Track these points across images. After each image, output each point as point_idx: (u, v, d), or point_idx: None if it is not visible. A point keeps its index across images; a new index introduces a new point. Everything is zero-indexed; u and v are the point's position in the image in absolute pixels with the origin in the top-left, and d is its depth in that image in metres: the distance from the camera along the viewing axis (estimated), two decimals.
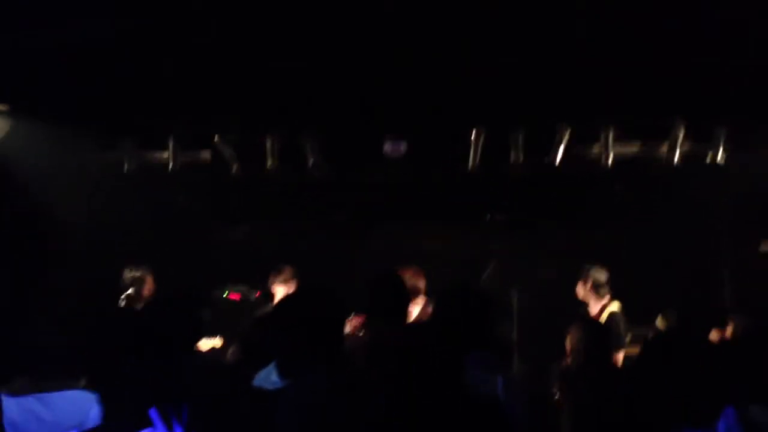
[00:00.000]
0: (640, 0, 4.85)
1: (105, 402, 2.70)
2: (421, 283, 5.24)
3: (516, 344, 6.94)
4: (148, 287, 6.00)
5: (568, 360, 4.18)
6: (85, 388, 3.73)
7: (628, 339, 5.67)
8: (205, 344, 5.42)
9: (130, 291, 5.95)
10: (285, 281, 6.14)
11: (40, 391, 2.68)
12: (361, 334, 4.36)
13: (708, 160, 6.49)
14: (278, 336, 2.77)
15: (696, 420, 2.22)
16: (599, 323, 5.40)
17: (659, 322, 5.65)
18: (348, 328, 4.55)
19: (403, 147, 6.78)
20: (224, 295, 7.27)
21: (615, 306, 5.81)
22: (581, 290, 5.95)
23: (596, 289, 5.86)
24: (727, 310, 5.55)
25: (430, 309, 5.03)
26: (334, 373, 2.61)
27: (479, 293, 3.56)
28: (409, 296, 4.14)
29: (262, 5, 5.00)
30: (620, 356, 5.48)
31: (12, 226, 6.22)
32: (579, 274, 6.07)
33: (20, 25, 4.91)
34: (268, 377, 3.33)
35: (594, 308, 5.89)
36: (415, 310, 5.10)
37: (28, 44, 5.12)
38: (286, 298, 3.04)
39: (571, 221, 7.64)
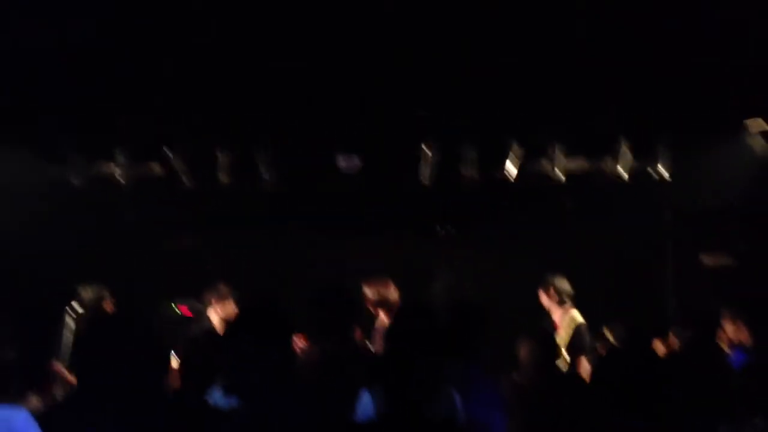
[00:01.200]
0: (587, 20, 4.94)
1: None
2: (392, 295, 5.23)
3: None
4: (107, 306, 5.87)
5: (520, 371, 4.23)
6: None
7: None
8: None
9: (78, 308, 5.81)
10: (220, 299, 6.14)
11: None
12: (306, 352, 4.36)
13: (653, 174, 6.67)
14: (226, 353, 2.73)
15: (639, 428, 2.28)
16: (549, 335, 5.50)
17: (606, 334, 5.76)
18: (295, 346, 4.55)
19: (356, 161, 6.80)
20: (174, 309, 7.16)
21: (577, 316, 5.91)
22: (544, 299, 6.04)
23: (560, 298, 5.97)
24: (670, 322, 5.70)
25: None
26: (286, 390, 2.59)
27: (431, 307, 3.61)
28: (357, 310, 4.12)
29: (217, 14, 4.95)
30: (585, 364, 5.59)
31: None
32: (530, 285, 6.17)
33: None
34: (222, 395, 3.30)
35: (556, 317, 6.00)
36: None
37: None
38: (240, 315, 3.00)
39: (522, 233, 7.76)
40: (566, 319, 5.92)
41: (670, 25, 4.87)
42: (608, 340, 5.57)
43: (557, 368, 4.33)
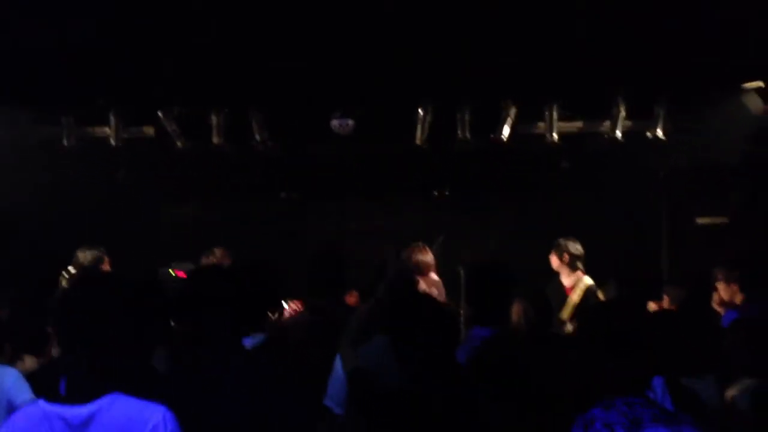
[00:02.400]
0: None
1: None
2: (427, 259, 5.21)
3: (464, 318, 7.03)
4: (105, 267, 5.87)
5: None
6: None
7: None
8: None
9: (71, 269, 5.81)
10: (218, 263, 6.02)
11: None
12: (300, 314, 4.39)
13: (649, 135, 6.63)
14: (186, 314, 2.70)
15: (627, 389, 2.29)
16: (542, 296, 5.52)
17: (600, 294, 5.78)
18: (287, 311, 4.58)
19: (350, 123, 6.76)
20: (171, 273, 7.19)
21: (588, 279, 5.89)
22: (555, 261, 6.01)
23: (572, 261, 5.94)
24: (663, 283, 5.70)
25: (435, 290, 5.04)
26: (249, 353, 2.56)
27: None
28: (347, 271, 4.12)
29: None
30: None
31: None
32: (525, 247, 6.16)
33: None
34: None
35: (567, 281, 5.97)
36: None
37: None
38: (196, 273, 2.98)
39: (518, 196, 7.75)
40: (578, 282, 5.91)
41: None
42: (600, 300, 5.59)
43: (547, 327, 4.35)
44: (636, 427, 2.13)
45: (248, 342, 2.92)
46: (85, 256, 5.80)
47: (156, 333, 2.92)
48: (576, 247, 5.98)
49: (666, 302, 4.83)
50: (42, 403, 2.11)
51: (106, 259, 5.88)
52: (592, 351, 2.43)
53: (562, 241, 6.02)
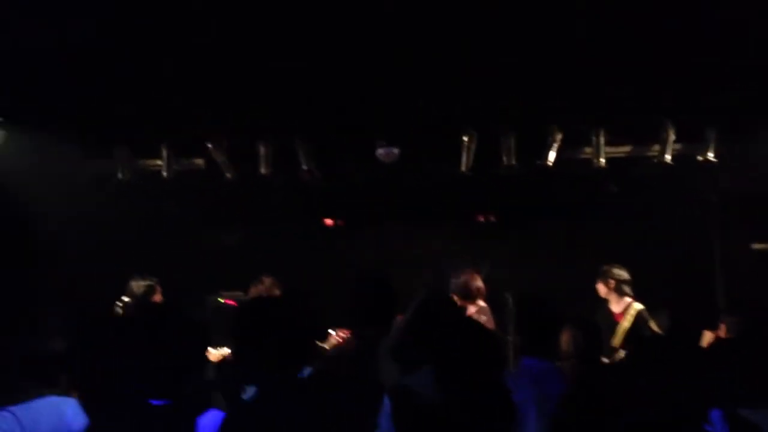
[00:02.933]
0: (631, 2, 4.86)
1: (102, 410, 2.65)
2: (478, 284, 5.23)
3: (513, 346, 6.94)
4: (157, 297, 5.97)
5: (563, 360, 4.18)
6: (78, 397, 3.74)
7: None
8: (214, 355, 5.41)
9: (126, 299, 5.92)
10: (266, 292, 6.09)
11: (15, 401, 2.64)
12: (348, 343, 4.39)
13: (700, 158, 6.52)
14: (242, 344, 2.68)
15: (683, 420, 2.23)
16: (592, 323, 5.43)
17: (652, 321, 5.67)
18: (335, 340, 4.57)
19: (396, 151, 6.79)
20: (220, 302, 7.27)
21: (638, 305, 5.85)
22: (603, 289, 5.98)
23: (619, 287, 5.90)
24: (719, 311, 5.57)
25: (484, 317, 5.04)
26: (303, 386, 2.54)
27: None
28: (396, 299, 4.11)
29: (253, 9, 5.00)
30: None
31: (2, 235, 6.22)
32: (574, 274, 6.09)
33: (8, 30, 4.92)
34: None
35: (616, 307, 5.93)
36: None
37: (20, 51, 5.14)
38: (251, 305, 2.96)
39: (565, 222, 7.66)
40: (627, 308, 5.85)
41: (717, 8, 4.77)
42: (653, 330, 5.48)
43: (599, 357, 4.27)
44: None
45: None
46: (138, 285, 5.90)
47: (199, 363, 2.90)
48: (621, 273, 5.94)
49: (723, 331, 4.69)
50: None
51: (158, 288, 5.98)
52: (647, 381, 2.37)
53: (606, 267, 5.99)
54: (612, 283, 5.93)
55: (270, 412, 2.42)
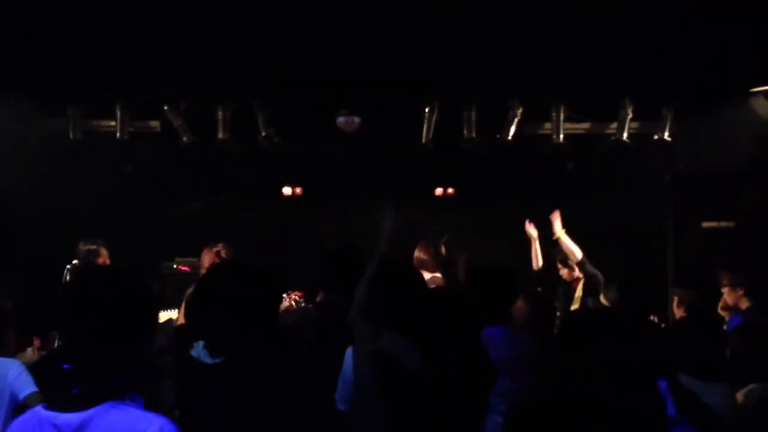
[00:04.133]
0: None
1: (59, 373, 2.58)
2: (428, 256, 5.25)
3: None
4: (102, 260, 5.87)
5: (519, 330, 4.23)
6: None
7: None
8: (162, 316, 5.36)
9: (75, 262, 5.82)
10: (219, 257, 6.11)
11: None
12: (300, 306, 4.37)
13: (656, 137, 6.61)
14: (204, 311, 2.63)
15: (629, 390, 2.26)
16: (544, 295, 5.54)
17: (602, 298, 5.78)
18: (285, 303, 4.55)
19: (357, 121, 6.75)
20: (174, 267, 7.19)
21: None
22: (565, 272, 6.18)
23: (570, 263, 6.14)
24: (667, 286, 5.70)
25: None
26: (266, 353, 2.47)
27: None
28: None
29: None
30: None
31: None
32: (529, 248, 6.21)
33: None
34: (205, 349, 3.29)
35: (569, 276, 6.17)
36: None
37: None
38: (212, 271, 2.89)
39: (521, 196, 7.73)
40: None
41: None
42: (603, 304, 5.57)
43: (550, 327, 4.33)
44: None
45: None
46: (83, 248, 5.82)
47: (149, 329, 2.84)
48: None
49: (675, 304, 4.78)
50: (40, 409, 2.00)
51: (104, 251, 5.88)
52: (595, 354, 2.39)
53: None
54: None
55: (224, 377, 2.39)
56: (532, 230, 6.53)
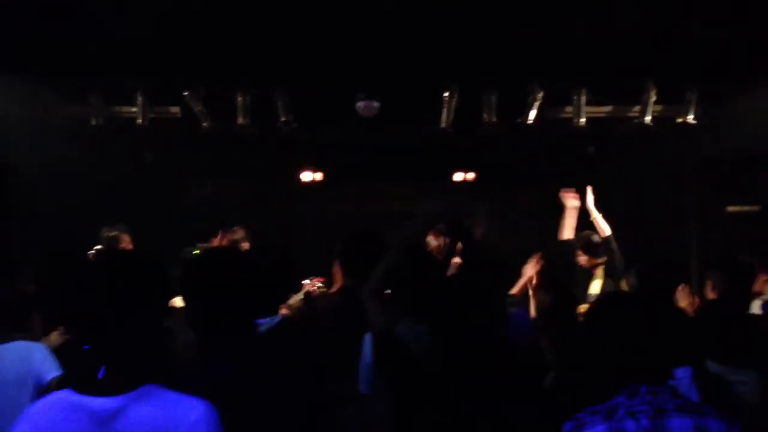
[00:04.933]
0: None
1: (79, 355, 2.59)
2: (438, 243, 5.22)
3: None
4: (124, 246, 5.92)
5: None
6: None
7: None
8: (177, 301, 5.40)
9: (98, 247, 5.86)
10: (237, 242, 6.13)
11: None
12: (321, 291, 4.38)
13: (679, 120, 6.52)
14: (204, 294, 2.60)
15: (650, 377, 2.24)
16: (564, 284, 5.49)
17: (622, 283, 5.72)
18: (308, 288, 4.56)
19: (376, 105, 6.72)
20: (195, 252, 7.22)
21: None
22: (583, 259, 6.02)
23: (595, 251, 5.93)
24: (692, 271, 5.62)
25: None
26: (262, 347, 2.47)
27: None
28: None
29: None
30: None
31: None
32: (549, 233, 6.14)
33: None
34: None
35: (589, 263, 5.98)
36: None
37: None
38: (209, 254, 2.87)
39: (542, 180, 7.67)
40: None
41: None
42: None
43: (571, 317, 4.30)
44: (660, 416, 2.10)
45: (264, 323, 2.90)
46: (106, 234, 5.87)
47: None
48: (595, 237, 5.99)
49: (708, 287, 4.69)
50: (69, 393, 1.92)
51: (126, 237, 5.92)
52: (615, 340, 2.37)
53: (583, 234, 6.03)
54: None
55: (220, 364, 2.37)
56: (572, 201, 6.08)
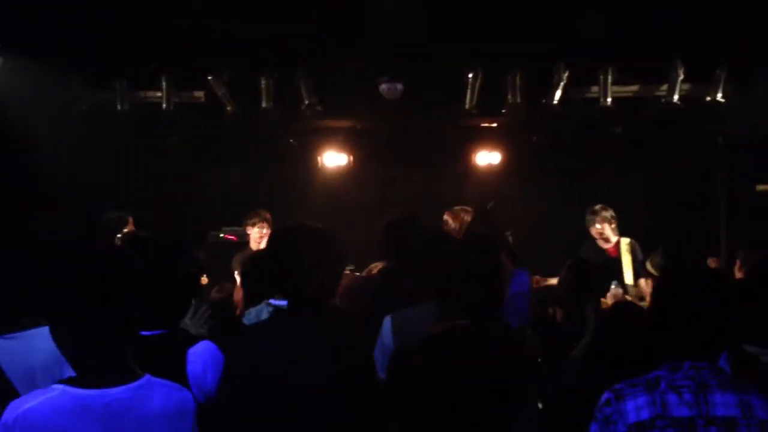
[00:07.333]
0: None
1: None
2: (457, 224, 5.20)
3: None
4: (129, 229, 5.96)
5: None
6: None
7: None
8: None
9: (126, 231, 5.92)
10: (260, 225, 6.29)
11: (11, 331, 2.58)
12: (361, 274, 4.40)
13: (708, 99, 6.42)
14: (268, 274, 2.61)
15: (696, 353, 2.21)
16: (591, 265, 5.45)
17: (648, 265, 5.67)
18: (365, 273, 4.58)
19: (399, 87, 6.69)
20: (220, 236, 7.28)
21: (625, 238, 5.95)
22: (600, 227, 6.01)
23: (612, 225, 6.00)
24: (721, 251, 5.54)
25: None
26: (317, 317, 2.45)
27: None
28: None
29: None
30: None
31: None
32: (575, 215, 6.11)
33: None
34: (259, 315, 3.33)
35: (607, 243, 6.00)
36: None
37: None
38: (280, 234, 2.86)
39: (569, 163, 7.61)
40: (618, 242, 5.93)
41: None
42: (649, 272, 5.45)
43: (597, 295, 4.28)
44: (703, 392, 2.09)
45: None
46: (108, 218, 5.94)
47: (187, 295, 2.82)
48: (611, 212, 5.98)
49: (737, 266, 4.63)
50: (68, 388, 1.93)
51: (129, 219, 5.96)
52: (668, 312, 2.31)
53: (598, 207, 6.01)
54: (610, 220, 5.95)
55: (272, 340, 2.39)
56: None
